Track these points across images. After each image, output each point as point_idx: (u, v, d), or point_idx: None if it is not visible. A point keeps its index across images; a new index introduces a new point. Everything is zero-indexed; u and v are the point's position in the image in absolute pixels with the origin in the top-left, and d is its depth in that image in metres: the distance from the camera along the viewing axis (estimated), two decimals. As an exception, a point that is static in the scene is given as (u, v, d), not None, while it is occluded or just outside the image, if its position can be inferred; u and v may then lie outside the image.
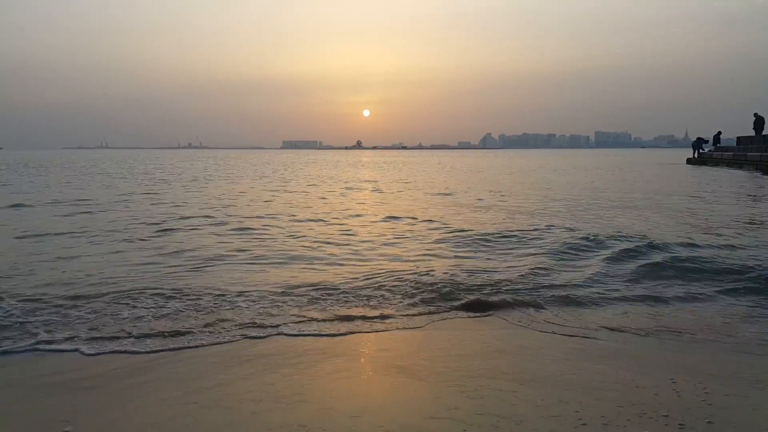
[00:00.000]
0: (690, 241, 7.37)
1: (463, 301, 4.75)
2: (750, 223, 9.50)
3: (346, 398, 3.01)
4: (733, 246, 7.06)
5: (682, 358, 3.57)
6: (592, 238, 7.67)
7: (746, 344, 3.84)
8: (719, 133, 37.64)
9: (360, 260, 6.47)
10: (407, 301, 4.80)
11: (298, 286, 5.22)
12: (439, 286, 5.18)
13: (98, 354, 3.66)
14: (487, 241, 7.69)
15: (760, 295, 4.98)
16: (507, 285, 5.23)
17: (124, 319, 4.29)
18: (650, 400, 2.95)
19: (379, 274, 5.72)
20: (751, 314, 4.49)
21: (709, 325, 4.24)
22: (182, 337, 3.95)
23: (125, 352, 3.70)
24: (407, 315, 4.46)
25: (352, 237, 8.25)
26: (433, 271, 5.80)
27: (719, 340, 3.93)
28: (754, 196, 14.62)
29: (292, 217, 10.54)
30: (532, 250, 6.97)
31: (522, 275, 5.60)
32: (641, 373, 3.30)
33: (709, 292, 5.07)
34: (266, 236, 8.31)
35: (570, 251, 6.86)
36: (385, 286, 5.24)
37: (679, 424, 2.71)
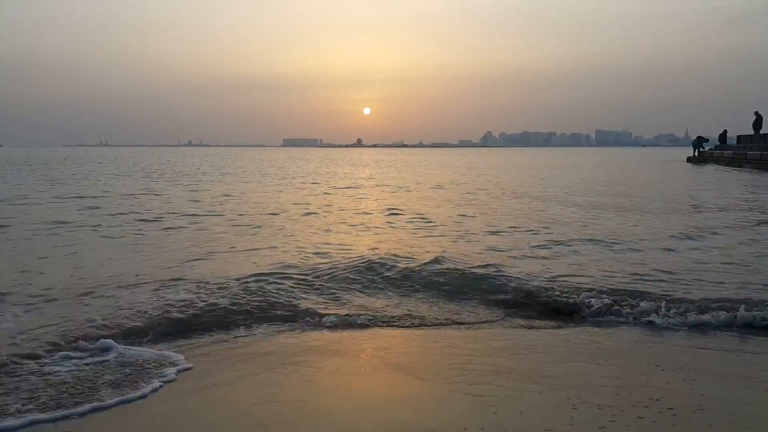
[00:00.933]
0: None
1: (458, 302, 4.79)
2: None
3: (346, 396, 3.05)
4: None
5: (672, 355, 3.63)
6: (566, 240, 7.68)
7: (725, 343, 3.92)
8: (725, 132, 37.21)
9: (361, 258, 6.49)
10: (407, 299, 4.83)
11: (298, 285, 5.24)
12: (437, 287, 5.22)
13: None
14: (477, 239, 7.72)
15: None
16: (502, 287, 5.27)
17: (113, 315, 4.31)
18: (642, 390, 3.03)
19: (377, 272, 5.75)
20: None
21: (689, 327, 4.29)
22: (180, 336, 3.98)
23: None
24: (406, 315, 4.49)
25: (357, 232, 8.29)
26: (433, 272, 5.83)
27: (699, 340, 4.01)
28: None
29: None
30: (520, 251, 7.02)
31: (513, 277, 5.65)
32: (632, 368, 3.37)
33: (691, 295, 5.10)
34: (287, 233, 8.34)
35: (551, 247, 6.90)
36: (382, 284, 5.27)
37: (668, 408, 2.81)
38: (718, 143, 37.67)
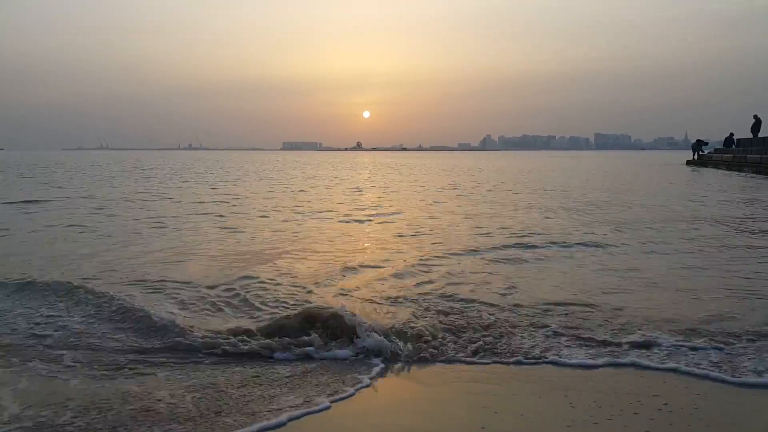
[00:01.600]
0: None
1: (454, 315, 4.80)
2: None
3: (344, 400, 3.06)
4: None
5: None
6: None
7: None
8: (731, 135, 36.44)
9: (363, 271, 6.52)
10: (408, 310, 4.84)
11: (297, 291, 5.26)
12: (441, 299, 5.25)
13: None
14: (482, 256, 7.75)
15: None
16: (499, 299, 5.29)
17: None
18: (638, 388, 3.08)
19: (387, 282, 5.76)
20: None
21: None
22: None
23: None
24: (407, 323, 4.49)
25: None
26: (438, 284, 5.86)
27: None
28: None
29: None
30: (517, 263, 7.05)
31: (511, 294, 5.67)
32: (627, 373, 3.39)
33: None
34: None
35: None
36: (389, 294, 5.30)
37: (664, 404, 2.87)
38: (721, 146, 37.24)
